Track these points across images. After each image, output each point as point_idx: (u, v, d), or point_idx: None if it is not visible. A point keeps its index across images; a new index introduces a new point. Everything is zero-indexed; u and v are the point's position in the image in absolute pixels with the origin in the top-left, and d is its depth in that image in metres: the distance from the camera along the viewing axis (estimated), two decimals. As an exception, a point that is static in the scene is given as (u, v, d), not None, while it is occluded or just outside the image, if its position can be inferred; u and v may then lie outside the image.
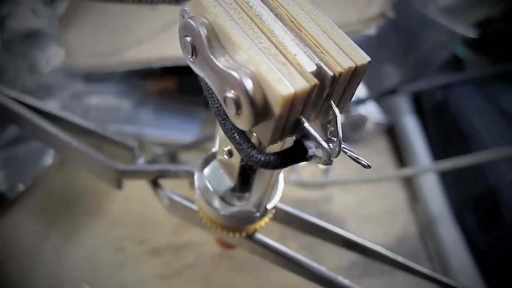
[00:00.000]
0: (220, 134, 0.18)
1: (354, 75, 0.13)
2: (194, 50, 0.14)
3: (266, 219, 0.21)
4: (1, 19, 0.40)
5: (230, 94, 0.12)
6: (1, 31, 0.40)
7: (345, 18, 0.39)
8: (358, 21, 0.39)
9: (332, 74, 0.12)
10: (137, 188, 0.30)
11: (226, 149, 0.18)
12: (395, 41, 0.45)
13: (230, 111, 0.13)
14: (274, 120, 0.12)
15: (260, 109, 0.12)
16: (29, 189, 0.38)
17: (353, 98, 0.14)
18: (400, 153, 0.45)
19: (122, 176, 0.26)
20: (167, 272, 0.35)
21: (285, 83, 0.11)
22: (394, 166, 0.45)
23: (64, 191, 0.39)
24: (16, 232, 0.36)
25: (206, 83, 0.14)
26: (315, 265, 0.22)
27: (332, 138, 0.13)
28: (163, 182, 0.26)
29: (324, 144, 0.12)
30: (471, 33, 0.43)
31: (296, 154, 0.13)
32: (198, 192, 0.21)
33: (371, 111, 0.45)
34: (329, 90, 0.12)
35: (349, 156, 0.14)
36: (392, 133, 0.47)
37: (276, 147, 0.15)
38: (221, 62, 0.13)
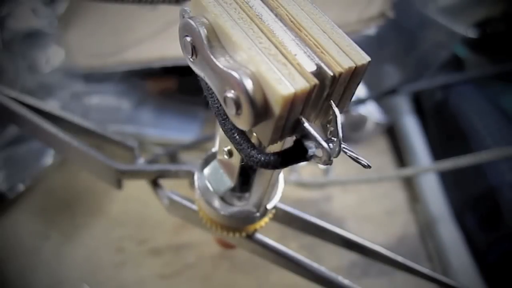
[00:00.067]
0: (220, 134, 0.18)
1: (354, 75, 0.13)
2: (194, 50, 0.14)
3: (266, 219, 0.21)
4: (1, 19, 0.40)
5: (230, 94, 0.12)
6: (1, 31, 0.40)
7: (345, 18, 0.39)
8: (358, 21, 0.39)
9: (332, 74, 0.12)
10: (137, 188, 0.30)
11: (226, 149, 0.18)
12: (395, 41, 0.45)
13: (230, 111, 0.13)
14: (274, 120, 0.12)
15: (260, 109, 0.12)
16: (29, 189, 0.38)
17: (353, 98, 0.14)
18: (400, 153, 0.45)
19: (122, 176, 0.26)
20: (167, 272, 0.35)
21: (285, 83, 0.11)
22: (394, 166, 0.45)
23: (64, 191, 0.39)
24: (16, 232, 0.36)
25: (206, 83, 0.14)
26: (315, 265, 0.22)
27: (332, 138, 0.13)
28: (163, 182, 0.26)
29: (324, 144, 0.12)
30: (471, 33, 0.43)
31: (296, 154, 0.13)
32: (198, 192, 0.21)
33: (371, 111, 0.45)
34: (329, 90, 0.12)
35: (349, 156, 0.14)
36: (392, 133, 0.47)
37: (276, 147, 0.15)
38: (221, 62, 0.13)
